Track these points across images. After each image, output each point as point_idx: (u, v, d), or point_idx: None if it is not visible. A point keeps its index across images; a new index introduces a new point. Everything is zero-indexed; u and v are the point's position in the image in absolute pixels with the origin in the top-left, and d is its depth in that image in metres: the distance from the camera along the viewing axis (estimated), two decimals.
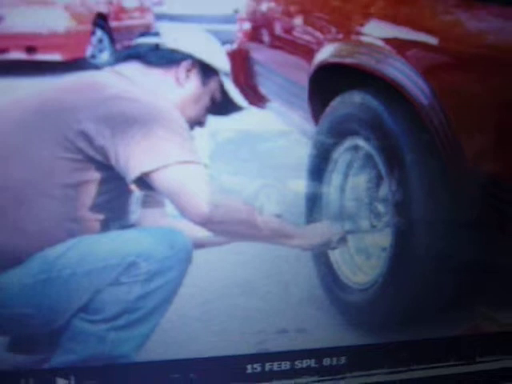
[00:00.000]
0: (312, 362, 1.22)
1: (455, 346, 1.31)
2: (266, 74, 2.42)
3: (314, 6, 2.07)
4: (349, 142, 1.66)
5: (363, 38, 1.67)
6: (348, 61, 1.69)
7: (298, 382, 1.22)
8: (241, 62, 2.54)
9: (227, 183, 1.64)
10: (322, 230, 1.46)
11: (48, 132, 1.22)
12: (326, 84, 1.81)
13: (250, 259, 1.89)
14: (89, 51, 5.27)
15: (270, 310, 1.71)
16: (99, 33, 5.45)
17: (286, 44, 2.22)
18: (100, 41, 5.47)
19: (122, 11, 5.95)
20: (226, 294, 1.77)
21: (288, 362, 1.21)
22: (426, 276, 1.44)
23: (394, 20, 1.59)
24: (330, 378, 1.23)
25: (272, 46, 2.38)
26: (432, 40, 1.41)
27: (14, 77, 4.46)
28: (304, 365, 1.22)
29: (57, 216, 1.22)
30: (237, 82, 1.88)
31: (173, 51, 1.36)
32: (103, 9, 5.58)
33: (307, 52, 1.94)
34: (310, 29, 2.02)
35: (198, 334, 1.60)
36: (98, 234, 1.26)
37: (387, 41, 1.55)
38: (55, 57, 4.90)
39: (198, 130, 1.44)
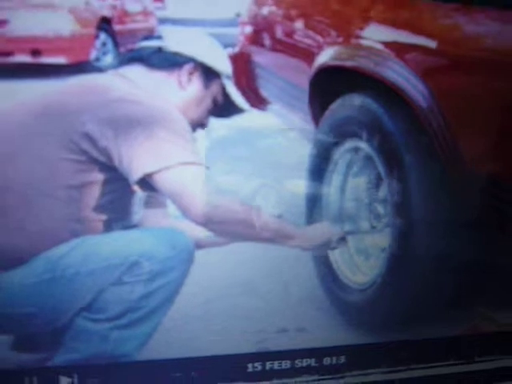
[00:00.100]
0: (312, 361, 1.22)
1: (454, 345, 1.30)
2: (267, 76, 2.43)
3: (315, 9, 2.07)
4: (349, 144, 1.67)
5: (363, 42, 1.68)
6: (348, 64, 1.70)
7: (298, 381, 1.22)
8: (242, 65, 2.54)
9: (224, 183, 1.64)
10: (322, 230, 1.47)
11: (52, 134, 1.22)
12: (327, 87, 1.82)
13: (251, 259, 1.89)
14: (93, 54, 5.30)
15: (271, 310, 1.71)
16: (103, 36, 5.48)
17: (286, 47, 2.23)
18: (104, 44, 5.50)
19: (125, 15, 5.98)
20: (227, 294, 1.77)
21: (288, 361, 1.21)
22: (426, 276, 1.45)
23: (394, 24, 1.60)
24: (329, 377, 1.23)
25: (273, 49, 2.38)
26: (431, 43, 1.41)
27: (19, 80, 4.47)
28: (304, 364, 1.22)
29: (60, 217, 1.23)
30: (238, 84, 1.89)
31: (175, 54, 1.37)
32: (107, 13, 5.61)
33: (308, 55, 1.94)
34: (310, 32, 2.03)
35: (200, 333, 1.60)
36: (101, 235, 1.27)
37: (387, 44, 1.56)
38: (60, 60, 4.92)
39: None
